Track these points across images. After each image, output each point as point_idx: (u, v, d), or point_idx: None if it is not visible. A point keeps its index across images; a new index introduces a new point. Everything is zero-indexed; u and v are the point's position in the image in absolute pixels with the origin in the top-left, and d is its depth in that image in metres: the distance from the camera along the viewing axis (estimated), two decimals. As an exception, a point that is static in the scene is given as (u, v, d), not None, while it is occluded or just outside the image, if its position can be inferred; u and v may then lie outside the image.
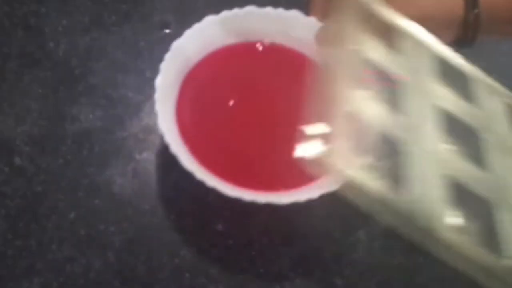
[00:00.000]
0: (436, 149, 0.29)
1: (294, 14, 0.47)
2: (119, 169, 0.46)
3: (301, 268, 0.42)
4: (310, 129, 0.27)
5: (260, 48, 0.48)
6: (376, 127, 0.28)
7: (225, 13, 0.47)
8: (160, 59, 0.51)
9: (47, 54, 0.51)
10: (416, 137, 0.29)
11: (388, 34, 0.33)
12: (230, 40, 0.47)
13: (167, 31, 0.53)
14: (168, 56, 0.43)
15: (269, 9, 0.47)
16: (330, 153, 0.26)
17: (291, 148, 0.30)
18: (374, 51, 0.32)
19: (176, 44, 0.44)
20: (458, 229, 0.26)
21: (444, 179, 0.28)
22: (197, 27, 0.46)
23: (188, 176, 0.37)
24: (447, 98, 0.32)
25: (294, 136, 0.29)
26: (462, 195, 0.27)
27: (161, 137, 0.40)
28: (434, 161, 0.28)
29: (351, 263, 0.42)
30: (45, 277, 0.41)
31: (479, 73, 0.35)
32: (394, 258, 0.43)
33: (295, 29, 0.46)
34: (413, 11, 0.34)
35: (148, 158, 0.47)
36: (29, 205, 0.44)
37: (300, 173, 0.30)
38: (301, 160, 0.27)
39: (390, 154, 0.28)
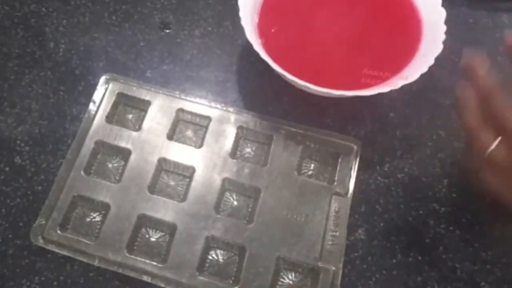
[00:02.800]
0: None
1: None
2: (119, 168, 0.46)
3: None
4: None
5: None
6: None
7: None
8: (160, 59, 0.51)
9: (47, 54, 0.51)
10: None
11: None
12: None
13: (167, 31, 0.53)
14: None
15: None
16: None
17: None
18: None
19: None
20: None
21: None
22: None
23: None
24: None
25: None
26: None
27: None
28: None
29: (351, 263, 0.42)
30: (45, 276, 0.41)
31: None
32: (394, 258, 0.43)
33: None
34: None
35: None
36: (29, 205, 0.44)
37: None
38: None
39: None
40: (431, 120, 0.48)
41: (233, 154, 0.45)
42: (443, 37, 0.44)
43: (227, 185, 0.44)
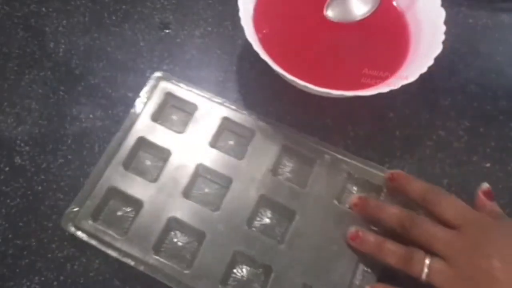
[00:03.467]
0: None
1: None
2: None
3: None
4: None
5: None
6: None
7: None
8: (160, 59, 0.51)
9: (47, 54, 0.51)
10: None
11: None
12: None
13: (167, 31, 0.53)
14: None
15: None
16: None
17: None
18: None
19: None
20: None
21: None
22: None
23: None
24: None
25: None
26: None
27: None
28: None
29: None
30: (45, 276, 0.41)
31: None
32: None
33: None
34: None
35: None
36: (29, 205, 0.44)
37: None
38: None
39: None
40: (431, 120, 0.49)
41: (275, 171, 0.44)
42: (442, 37, 0.44)
43: (263, 201, 0.43)
